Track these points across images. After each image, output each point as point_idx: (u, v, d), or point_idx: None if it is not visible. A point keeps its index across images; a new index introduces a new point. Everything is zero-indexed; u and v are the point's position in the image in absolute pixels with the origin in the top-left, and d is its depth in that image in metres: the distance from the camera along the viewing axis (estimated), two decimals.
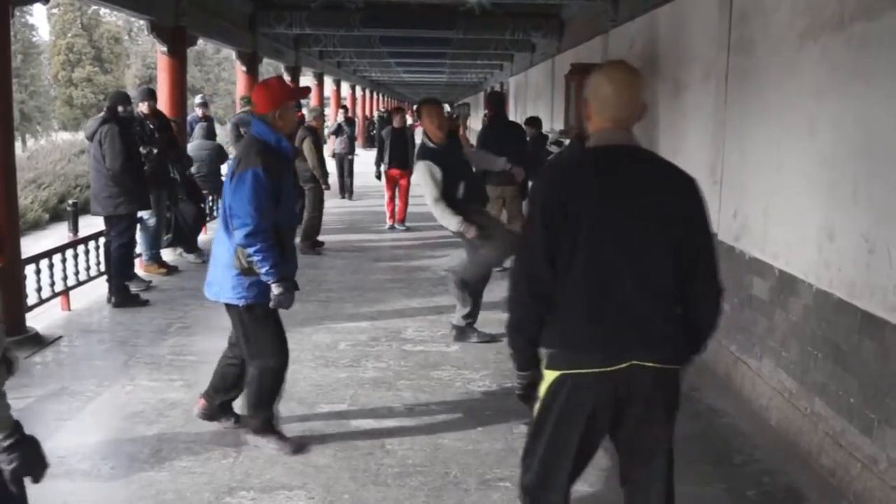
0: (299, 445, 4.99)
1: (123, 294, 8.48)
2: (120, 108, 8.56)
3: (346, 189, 18.07)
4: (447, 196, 6.83)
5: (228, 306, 4.86)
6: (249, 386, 4.98)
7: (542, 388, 3.00)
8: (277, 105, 4.75)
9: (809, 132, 5.14)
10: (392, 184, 13.93)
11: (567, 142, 10.26)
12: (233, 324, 4.96)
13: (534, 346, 3.04)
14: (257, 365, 4.90)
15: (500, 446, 5.05)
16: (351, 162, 18.38)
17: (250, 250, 4.57)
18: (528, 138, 11.14)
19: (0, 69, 6.91)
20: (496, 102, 11.27)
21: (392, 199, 14.01)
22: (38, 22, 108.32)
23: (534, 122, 12.44)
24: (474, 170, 7.47)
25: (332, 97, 26.04)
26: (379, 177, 14.62)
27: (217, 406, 5.24)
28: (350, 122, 18.63)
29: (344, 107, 20.19)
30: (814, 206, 5.05)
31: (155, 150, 9.36)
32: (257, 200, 4.54)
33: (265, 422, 4.98)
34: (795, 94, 5.39)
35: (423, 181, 6.90)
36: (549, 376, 2.96)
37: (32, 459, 2.72)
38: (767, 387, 5.61)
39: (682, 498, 4.26)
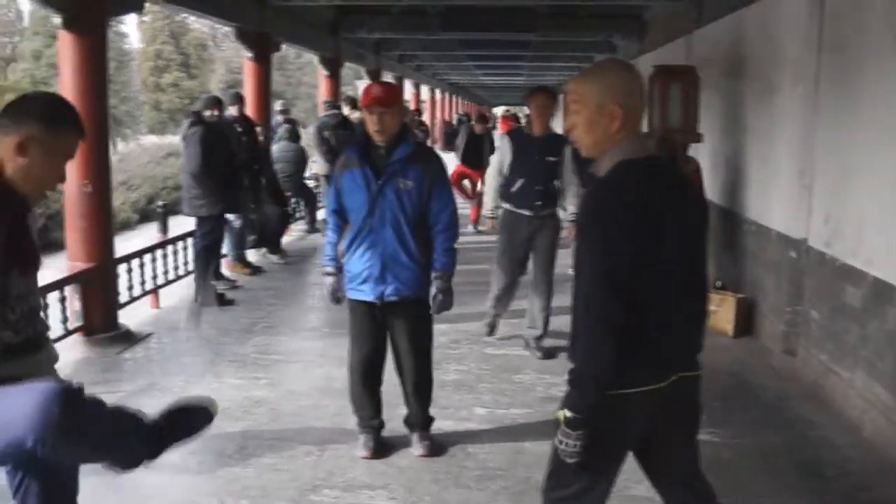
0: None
1: (209, 293, 8.65)
2: (207, 112, 8.73)
3: None
4: (507, 182, 6.85)
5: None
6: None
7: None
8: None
9: None
10: (459, 175, 13.95)
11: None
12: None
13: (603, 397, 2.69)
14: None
15: None
16: None
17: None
18: None
19: (97, 77, 7.12)
20: None
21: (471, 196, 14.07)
22: (129, 30, 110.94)
23: None
24: (556, 184, 6.89)
25: (412, 100, 26.01)
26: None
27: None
28: (421, 125, 18.27)
29: (416, 110, 19.84)
30: None
31: (242, 155, 9.52)
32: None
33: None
34: (892, 95, 5.23)
35: (496, 154, 7.01)
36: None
37: None
38: (860, 398, 5.47)
39: None
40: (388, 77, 23.36)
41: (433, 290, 4.78)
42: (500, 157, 6.92)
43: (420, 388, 5.05)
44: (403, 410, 5.60)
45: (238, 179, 9.22)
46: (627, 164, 2.71)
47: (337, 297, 4.94)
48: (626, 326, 2.62)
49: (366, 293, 4.77)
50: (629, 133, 2.75)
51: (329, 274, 4.92)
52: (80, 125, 2.76)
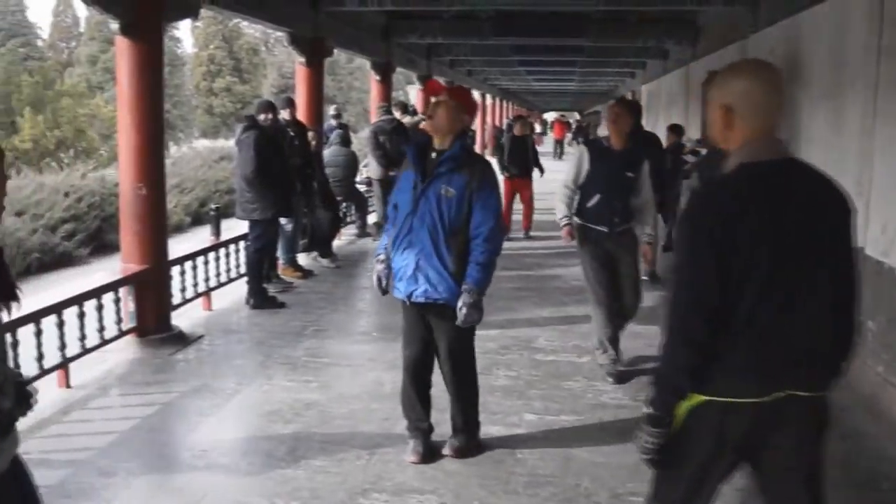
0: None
1: (261, 296, 8.74)
2: (261, 117, 8.82)
3: None
4: (582, 195, 6.58)
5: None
6: None
7: (680, 411, 2.72)
8: None
9: None
10: (511, 191, 13.67)
11: (704, 151, 10.09)
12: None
13: (684, 398, 2.70)
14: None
15: (632, 460, 4.96)
16: None
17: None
18: (664, 146, 11.06)
19: (153, 82, 7.23)
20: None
21: (510, 207, 13.59)
22: (183, 35, 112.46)
23: (675, 129, 12.25)
24: (631, 202, 6.54)
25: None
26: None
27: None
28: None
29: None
30: None
31: (295, 159, 9.61)
32: None
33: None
34: None
35: (570, 163, 6.73)
36: (691, 400, 2.69)
37: None
38: None
39: None
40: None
41: (459, 302, 4.71)
42: (577, 167, 6.56)
43: (458, 394, 5.06)
44: None
45: (291, 184, 9.28)
46: (742, 168, 2.67)
47: (382, 286, 4.95)
48: (717, 337, 2.59)
49: (399, 291, 4.83)
50: (748, 136, 2.69)
51: (380, 261, 4.96)
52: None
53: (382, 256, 4.94)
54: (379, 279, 4.94)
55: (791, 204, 2.60)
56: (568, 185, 6.61)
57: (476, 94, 33.57)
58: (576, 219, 6.64)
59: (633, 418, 5.60)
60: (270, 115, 8.91)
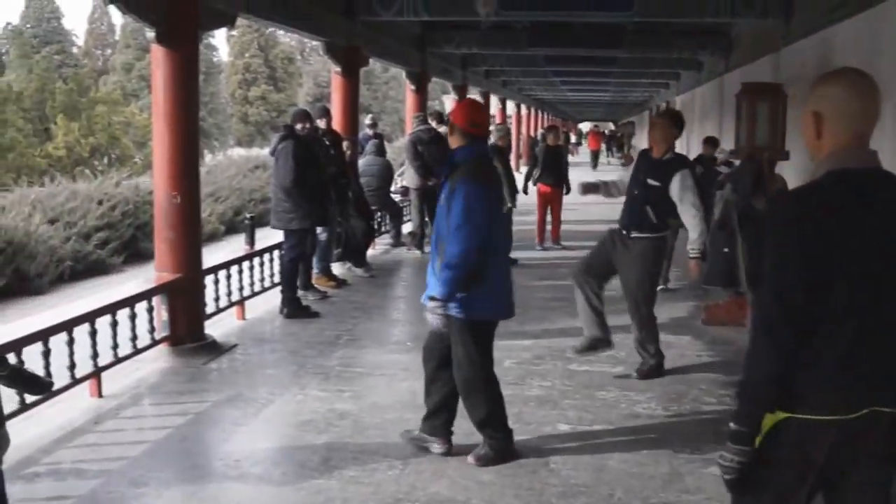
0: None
1: (294, 305, 8.75)
2: (298, 126, 8.85)
3: None
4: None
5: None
6: None
7: (763, 429, 2.60)
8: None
9: None
10: (544, 202, 13.74)
11: (738, 162, 10.03)
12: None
13: (771, 412, 2.58)
14: None
15: (666, 470, 4.95)
16: None
17: None
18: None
19: (188, 90, 7.28)
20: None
21: (543, 218, 13.77)
22: (219, 43, 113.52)
23: (710, 141, 12.20)
24: (648, 209, 6.56)
25: (497, 115, 25.73)
26: (525, 191, 14.10)
27: None
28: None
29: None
30: None
31: (330, 168, 9.64)
32: None
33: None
34: None
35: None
36: (773, 417, 2.57)
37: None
38: None
39: None
40: (474, 92, 23.46)
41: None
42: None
43: (462, 401, 5.16)
44: None
45: (327, 193, 9.30)
46: (829, 175, 2.59)
47: None
48: (803, 348, 2.51)
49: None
50: (837, 144, 2.62)
51: None
52: None
53: None
54: None
55: (879, 214, 2.53)
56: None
57: (510, 105, 33.60)
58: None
59: (665, 428, 5.60)
60: (308, 125, 8.94)
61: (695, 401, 6.13)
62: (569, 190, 13.88)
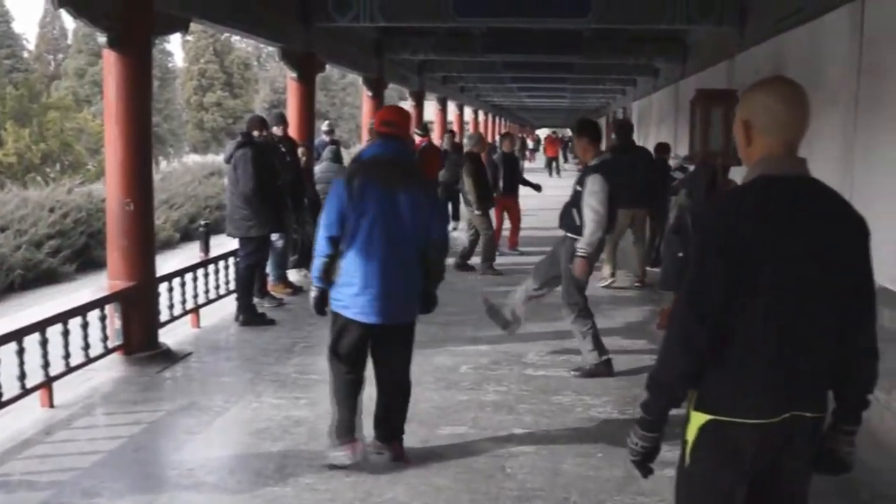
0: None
1: (250, 312, 8.70)
2: (255, 133, 8.80)
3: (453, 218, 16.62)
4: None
5: (404, 327, 5.09)
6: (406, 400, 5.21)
7: (690, 432, 2.68)
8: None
9: None
10: (502, 211, 13.77)
11: (692, 168, 10.15)
12: (405, 344, 5.13)
13: (677, 406, 2.69)
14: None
15: (621, 473, 4.97)
16: (457, 191, 15.23)
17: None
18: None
19: (141, 96, 7.21)
20: (623, 131, 11.82)
21: (500, 224, 13.79)
22: (174, 48, 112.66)
23: (662, 148, 12.38)
24: (573, 211, 6.96)
25: (437, 121, 25.30)
26: (493, 205, 13.47)
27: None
28: (457, 148, 16.34)
29: (450, 131, 18.64)
30: None
31: (287, 175, 9.59)
32: None
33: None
34: None
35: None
36: (698, 419, 2.65)
37: None
38: None
39: None
40: (431, 98, 23.47)
41: None
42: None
43: None
44: (444, 430, 5.65)
45: (283, 200, 9.25)
46: (756, 182, 2.64)
47: None
48: (724, 348, 2.55)
49: None
50: (766, 151, 2.67)
51: None
52: None
53: None
54: None
55: (804, 221, 2.58)
56: None
57: (468, 111, 33.64)
58: None
59: (620, 431, 5.60)
60: (264, 131, 8.90)
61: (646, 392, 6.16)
62: (538, 189, 14.31)
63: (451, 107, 28.63)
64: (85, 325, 6.70)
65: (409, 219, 4.82)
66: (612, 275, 11.05)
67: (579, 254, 6.78)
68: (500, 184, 13.53)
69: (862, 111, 6.31)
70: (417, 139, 14.53)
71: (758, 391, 2.58)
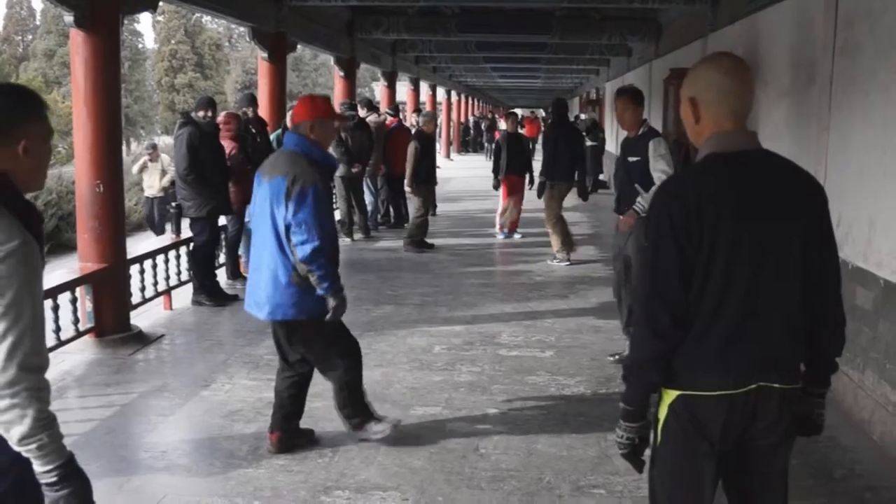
0: (396, 421, 5.16)
1: (209, 291, 8.69)
2: (200, 114, 8.68)
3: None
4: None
5: (290, 324, 4.84)
6: (338, 399, 5.06)
7: (662, 410, 2.70)
8: (316, 116, 4.74)
9: None
10: (510, 192, 13.27)
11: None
12: (295, 341, 4.93)
13: (655, 391, 2.70)
14: (336, 377, 4.99)
15: (594, 453, 5.00)
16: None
17: (313, 266, 4.55)
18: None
19: (110, 76, 7.13)
20: (558, 108, 11.88)
21: (507, 206, 13.41)
22: (144, 29, 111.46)
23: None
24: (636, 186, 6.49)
25: (410, 101, 24.98)
26: (497, 186, 13.31)
27: (294, 430, 5.15)
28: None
29: (418, 110, 18.48)
30: None
31: (258, 156, 9.48)
32: (321, 216, 4.55)
33: (367, 416, 5.11)
34: None
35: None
36: (668, 396, 2.67)
37: (79, 499, 2.44)
38: (870, 399, 5.43)
39: None
40: (403, 78, 23.38)
41: None
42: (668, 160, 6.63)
43: None
44: (418, 410, 5.66)
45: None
46: (706, 159, 2.66)
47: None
48: (681, 325, 2.57)
49: None
50: (715, 127, 2.66)
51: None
52: (44, 102, 2.65)
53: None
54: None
55: (757, 195, 2.58)
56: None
57: (441, 91, 33.55)
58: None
59: (594, 411, 5.66)
60: (209, 113, 8.73)
61: (623, 383, 6.18)
62: (532, 182, 13.13)
63: (424, 87, 28.54)
64: (55, 308, 6.64)
65: (264, 209, 4.71)
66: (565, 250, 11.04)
67: (636, 207, 6.40)
68: (503, 164, 13.05)
69: (836, 91, 6.33)
70: (388, 119, 14.50)
71: (721, 363, 2.59)
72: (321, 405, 5.63)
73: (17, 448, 2.35)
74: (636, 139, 6.59)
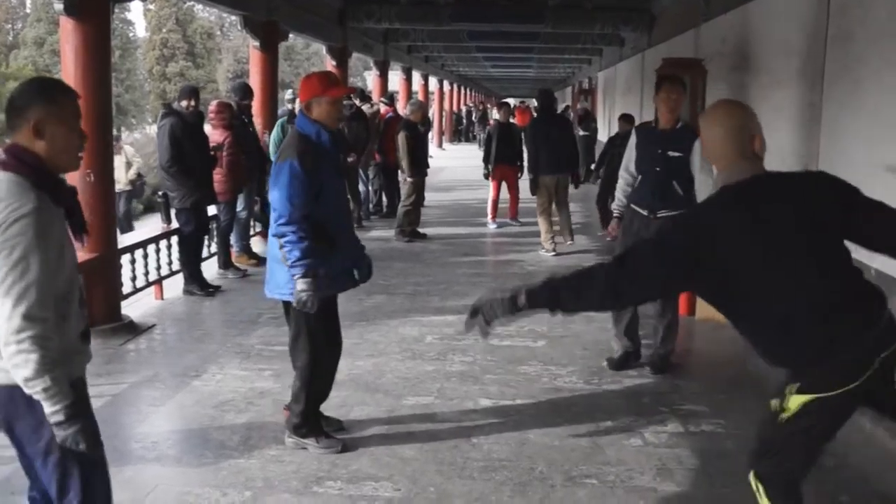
0: (343, 446, 4.90)
1: (194, 282, 8.68)
2: (184, 104, 8.58)
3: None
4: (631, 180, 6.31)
5: (285, 304, 4.88)
6: (292, 390, 4.98)
7: (792, 410, 2.89)
8: (310, 96, 4.68)
9: None
10: (499, 181, 13.35)
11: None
12: (289, 321, 4.94)
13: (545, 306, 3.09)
14: (298, 368, 4.91)
15: (586, 443, 5.00)
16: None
17: (282, 241, 4.53)
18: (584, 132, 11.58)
19: (100, 64, 7.08)
20: (543, 98, 11.74)
21: (497, 196, 13.49)
22: (135, 18, 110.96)
23: (626, 118, 12.33)
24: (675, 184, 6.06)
25: (402, 91, 24.83)
26: (488, 176, 13.46)
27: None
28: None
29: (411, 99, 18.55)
30: None
31: (252, 145, 9.47)
32: (290, 190, 4.49)
33: (303, 420, 4.91)
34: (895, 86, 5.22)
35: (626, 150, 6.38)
36: (801, 399, 2.87)
37: (83, 437, 2.80)
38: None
39: None
40: (396, 68, 23.32)
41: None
42: (628, 153, 6.35)
43: None
44: (410, 400, 5.67)
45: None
46: (720, 190, 3.00)
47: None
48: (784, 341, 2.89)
49: (342, 283, 4.93)
50: (725, 165, 3.02)
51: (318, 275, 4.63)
52: (68, 88, 3.00)
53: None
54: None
55: (769, 203, 2.89)
56: (621, 172, 6.39)
57: (433, 81, 33.47)
58: (632, 204, 6.28)
59: (586, 401, 5.66)
60: (192, 102, 8.63)
61: (615, 374, 6.19)
62: (523, 171, 13.14)
63: (416, 76, 28.47)
64: None
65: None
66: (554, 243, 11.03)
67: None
68: (493, 154, 13.17)
69: (828, 79, 6.34)
70: (383, 109, 14.46)
71: (831, 367, 2.82)
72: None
73: (26, 390, 2.69)
74: (674, 132, 6.08)
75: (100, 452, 2.99)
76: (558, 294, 3.05)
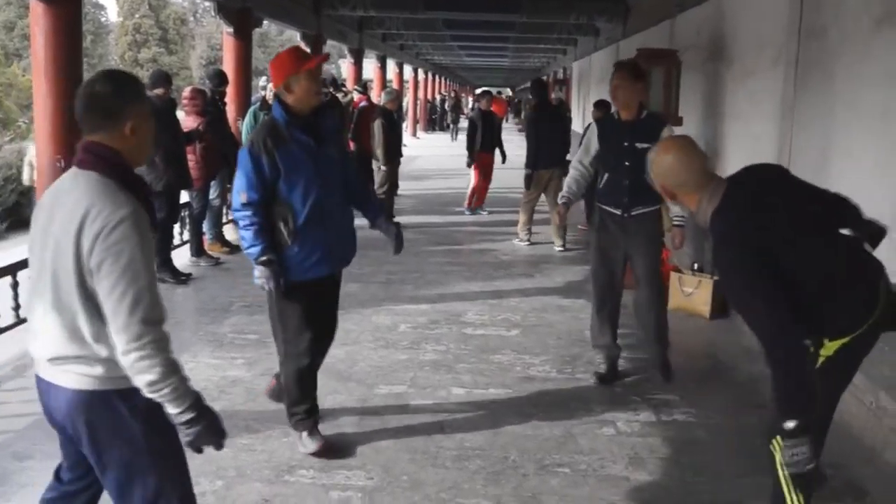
0: (324, 448, 4.70)
1: (162, 269, 8.54)
2: (157, 91, 8.44)
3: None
4: (597, 175, 5.89)
5: None
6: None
7: (827, 351, 3.12)
8: (286, 76, 4.44)
9: (882, 117, 5.02)
10: (483, 169, 13.48)
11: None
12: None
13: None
14: (280, 356, 4.83)
15: (559, 432, 5.01)
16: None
17: (238, 226, 4.49)
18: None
19: (71, 49, 6.99)
20: (539, 89, 11.63)
21: (478, 185, 13.60)
22: (107, 2, 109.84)
23: (601, 105, 12.33)
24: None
25: (377, 79, 24.63)
26: (471, 164, 13.48)
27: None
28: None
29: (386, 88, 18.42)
30: (884, 192, 4.92)
31: (227, 133, 9.40)
32: (241, 177, 4.40)
33: (292, 413, 4.82)
34: (868, 80, 5.28)
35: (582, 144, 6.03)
36: (834, 345, 3.10)
37: (212, 431, 2.76)
38: None
39: (744, 488, 4.23)
40: (370, 56, 23.25)
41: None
42: (585, 144, 5.94)
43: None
44: (383, 389, 5.65)
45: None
46: (724, 214, 3.09)
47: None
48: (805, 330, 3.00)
49: (320, 270, 4.61)
50: (692, 196, 3.19)
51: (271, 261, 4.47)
52: (142, 84, 3.00)
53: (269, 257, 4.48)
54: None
55: (770, 195, 3.12)
56: (575, 163, 6.00)
57: (407, 69, 33.38)
58: (599, 202, 5.90)
59: (559, 390, 5.66)
60: (162, 89, 8.51)
61: (589, 363, 6.20)
62: (504, 159, 13.79)
63: (391, 64, 28.39)
64: (15, 285, 6.56)
65: None
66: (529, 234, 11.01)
67: (680, 222, 5.78)
68: (478, 144, 13.22)
69: (801, 72, 6.38)
70: (357, 97, 14.42)
71: (854, 318, 3.08)
72: None
73: (148, 394, 2.65)
74: (639, 122, 5.68)
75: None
76: (815, 391, 2.94)
